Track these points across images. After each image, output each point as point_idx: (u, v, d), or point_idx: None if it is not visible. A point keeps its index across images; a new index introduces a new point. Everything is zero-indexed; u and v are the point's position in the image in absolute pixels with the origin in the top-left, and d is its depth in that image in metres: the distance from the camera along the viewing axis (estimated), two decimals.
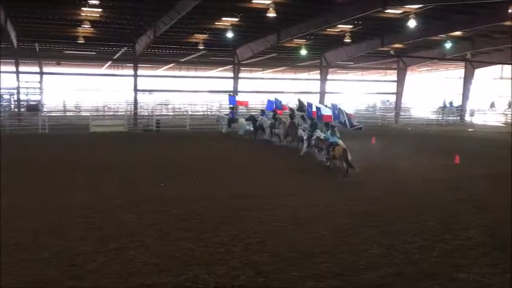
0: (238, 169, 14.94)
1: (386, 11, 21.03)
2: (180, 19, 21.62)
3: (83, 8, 21.50)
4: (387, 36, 28.50)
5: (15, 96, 31.00)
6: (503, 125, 34.88)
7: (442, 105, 39.98)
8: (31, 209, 9.40)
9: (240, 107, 29.05)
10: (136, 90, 30.95)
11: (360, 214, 9.53)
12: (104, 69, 44.38)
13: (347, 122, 17.01)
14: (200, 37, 29.11)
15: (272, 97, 24.47)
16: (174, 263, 6.64)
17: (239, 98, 27.91)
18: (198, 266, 6.58)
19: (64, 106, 38.71)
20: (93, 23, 24.07)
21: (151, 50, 32.32)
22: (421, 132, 28.71)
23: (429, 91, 48.29)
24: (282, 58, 38.02)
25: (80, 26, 24.94)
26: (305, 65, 41.08)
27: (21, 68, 30.20)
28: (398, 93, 37.60)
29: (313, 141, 17.75)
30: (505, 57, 31.90)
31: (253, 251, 7.24)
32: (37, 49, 33.10)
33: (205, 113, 40.28)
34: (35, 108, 29.01)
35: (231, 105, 26.86)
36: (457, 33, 26.86)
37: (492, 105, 42.27)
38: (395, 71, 38.63)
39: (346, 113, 17.33)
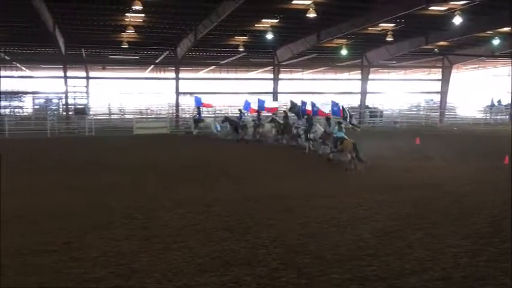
0: (269, 170, 15.06)
1: (430, 8, 20.51)
2: (221, 22, 21.87)
3: (126, 14, 22.13)
4: (431, 34, 27.76)
5: (64, 100, 32.25)
6: None
7: (489, 103, 38.55)
8: (78, 209, 9.73)
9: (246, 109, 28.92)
10: (178, 92, 31.52)
11: (403, 216, 9.32)
12: (146, 73, 45.43)
13: (348, 119, 18.41)
14: (240, 39, 29.31)
15: (250, 98, 25.91)
16: (216, 264, 6.70)
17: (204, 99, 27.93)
18: (240, 266, 6.61)
19: (109, 109, 39.92)
20: (137, 28, 24.72)
21: (193, 53, 32.80)
22: (467, 132, 27.81)
23: (476, 89, 46.62)
24: (322, 58, 37.71)
25: (124, 31, 25.66)
26: (346, 65, 40.58)
27: (69, 73, 31.33)
28: (443, 92, 36.54)
29: (311, 135, 18.92)
30: None
31: (294, 252, 7.21)
32: (84, 55, 34.33)
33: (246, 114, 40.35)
34: (82, 111, 30.04)
35: (197, 106, 27.11)
36: (506, 29, 25.82)
37: None
38: (440, 70, 37.57)
39: (349, 113, 18.93)
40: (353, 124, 18.71)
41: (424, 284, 6.16)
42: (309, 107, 20.71)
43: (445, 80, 36.38)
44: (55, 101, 36.49)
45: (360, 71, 36.81)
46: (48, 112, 34.73)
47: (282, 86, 35.04)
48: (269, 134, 22.97)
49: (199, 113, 26.45)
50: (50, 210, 9.63)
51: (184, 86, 33.20)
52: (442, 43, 30.38)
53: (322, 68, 45.14)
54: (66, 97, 31.23)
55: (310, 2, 19.31)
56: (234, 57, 36.07)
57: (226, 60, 37.86)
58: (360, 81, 36.13)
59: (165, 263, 6.68)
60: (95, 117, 28.78)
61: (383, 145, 20.54)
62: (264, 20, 24.28)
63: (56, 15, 22.40)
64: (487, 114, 37.60)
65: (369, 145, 20.84)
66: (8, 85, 42.46)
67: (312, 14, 19.85)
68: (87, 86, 33.45)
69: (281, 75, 35.39)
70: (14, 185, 12.08)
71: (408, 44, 30.10)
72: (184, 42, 28.62)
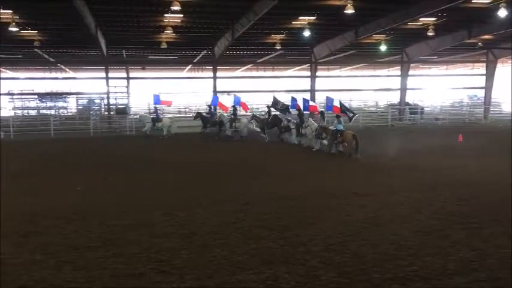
0: (297, 168, 15.12)
1: (473, 1, 19.87)
2: (258, 20, 21.92)
3: (165, 15, 22.50)
4: (475, 28, 26.87)
5: (105, 101, 33.18)
6: None
7: None
8: (119, 206, 9.96)
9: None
10: (215, 91, 31.79)
11: (446, 215, 9.07)
12: (184, 73, 46.06)
13: (348, 114, 19.66)
14: (277, 37, 29.29)
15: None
16: (255, 261, 6.71)
17: (163, 97, 28.06)
18: (279, 264, 6.60)
19: (149, 108, 40.68)
20: (175, 28, 25.11)
21: (230, 52, 33.02)
22: None
23: None
24: (361, 55, 37.18)
25: (163, 32, 26.11)
26: (385, 61, 39.83)
27: (110, 74, 32.18)
28: (488, 88, 35.28)
29: (304, 130, 19.95)
30: None
31: (334, 251, 7.14)
32: (124, 56, 35.16)
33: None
34: (123, 111, 30.78)
35: (155, 105, 26.85)
36: None
37: None
38: (484, 64, 36.28)
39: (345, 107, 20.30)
40: (350, 116, 19.84)
41: (468, 285, 5.97)
42: (298, 103, 21.79)
43: (490, 75, 35.10)
44: (97, 101, 37.57)
45: (399, 67, 36.04)
46: (91, 112, 35.81)
47: (319, 83, 34.75)
48: (245, 129, 23.62)
49: (156, 112, 26.09)
50: (95, 207, 9.92)
51: (221, 84, 33.48)
52: (486, 37, 29.34)
53: (361, 65, 44.48)
54: (108, 97, 32.14)
55: None
56: (271, 55, 36.10)
57: (263, 59, 37.94)
58: (399, 78, 35.38)
59: (204, 260, 6.75)
60: (135, 117, 29.38)
61: (424, 142, 20.09)
62: (301, 17, 24.16)
63: (98, 17, 23.05)
64: None
65: (409, 142, 20.57)
66: (53, 86, 44.17)
67: (349, 10, 19.60)
68: (127, 86, 34.24)
69: (318, 73, 35.08)
70: (63, 183, 12.58)
71: (451, 38, 29.23)
72: (222, 41, 28.84)
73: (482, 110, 35.78)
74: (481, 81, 35.95)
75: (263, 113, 25.47)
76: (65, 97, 40.85)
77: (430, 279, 6.12)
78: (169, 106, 29.59)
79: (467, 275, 6.21)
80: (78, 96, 39.52)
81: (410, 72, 35.95)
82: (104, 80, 31.52)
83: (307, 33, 25.48)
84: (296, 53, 36.48)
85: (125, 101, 33.69)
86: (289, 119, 22.11)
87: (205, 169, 15.13)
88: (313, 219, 8.83)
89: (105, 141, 24.13)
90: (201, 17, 23.51)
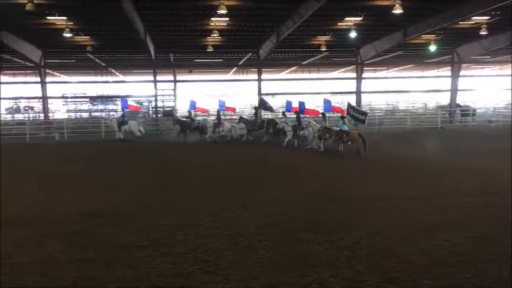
0: (336, 170, 15.13)
1: None
2: (303, 22, 21.84)
3: (212, 19, 22.84)
4: None
5: (153, 103, 34.01)
6: None
7: None
8: (165, 206, 10.13)
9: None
10: (260, 94, 31.92)
11: (499, 222, 8.65)
12: (230, 75, 46.53)
13: (356, 115, 20.21)
14: (322, 39, 29.09)
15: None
16: (300, 264, 6.67)
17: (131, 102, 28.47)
18: (324, 268, 6.53)
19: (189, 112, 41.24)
20: (221, 31, 25.42)
21: (275, 54, 33.08)
22: None
23: None
24: (409, 56, 36.33)
25: (209, 36, 26.51)
26: (434, 61, 38.68)
27: (158, 77, 32.99)
28: None
29: (304, 132, 20.42)
30: None
31: (380, 256, 6.98)
32: (171, 59, 35.94)
33: (328, 114, 39.92)
34: (170, 113, 31.40)
35: (123, 108, 26.79)
36: None
37: None
38: None
39: (355, 108, 20.96)
40: (358, 119, 20.39)
41: None
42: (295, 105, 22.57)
43: None
44: (145, 103, 38.55)
45: (449, 68, 34.88)
46: (139, 115, 36.77)
47: (365, 85, 34.21)
48: (229, 133, 23.43)
49: (123, 116, 25.99)
50: (142, 207, 10.15)
51: (266, 87, 33.58)
52: None
53: (409, 66, 43.43)
54: (156, 100, 32.91)
55: None
56: (316, 57, 35.86)
57: (308, 61, 37.76)
58: (449, 78, 34.24)
59: (249, 262, 6.77)
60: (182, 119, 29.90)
61: (475, 145, 19.35)
62: (347, 18, 23.89)
63: (147, 22, 23.68)
64: None
65: (459, 145, 19.88)
66: (103, 90, 45.76)
67: (398, 10, 19.21)
68: (174, 89, 34.94)
69: (364, 74, 34.52)
70: (111, 184, 12.98)
71: (505, 37, 28.02)
72: (267, 43, 28.94)
73: None
74: None
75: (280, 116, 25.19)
76: (114, 100, 42.22)
77: (484, 287, 5.88)
78: (137, 111, 30.17)
79: None
80: (127, 99, 40.67)
81: (462, 72, 34.67)
82: (152, 83, 32.35)
83: (353, 34, 25.17)
84: (341, 54, 36.08)
85: (171, 104, 34.38)
86: (286, 122, 22.26)
87: (251, 170, 15.30)
88: (358, 223, 8.68)
89: (152, 142, 24.63)
90: (246, 20, 23.69)
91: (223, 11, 19.64)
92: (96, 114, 39.62)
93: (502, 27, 26.14)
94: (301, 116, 21.84)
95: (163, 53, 33.13)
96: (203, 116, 26.10)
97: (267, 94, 33.22)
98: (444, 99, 36.89)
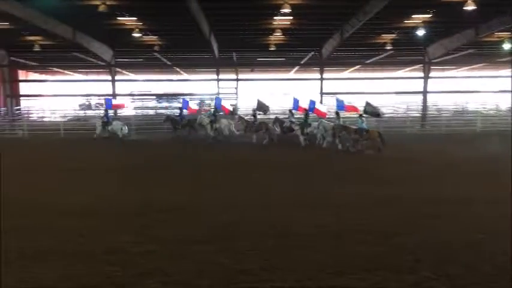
0: (386, 171, 14.79)
1: None
2: (368, 20, 21.38)
3: (275, 18, 22.90)
4: None
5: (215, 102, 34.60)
6: None
7: None
8: (213, 205, 10.23)
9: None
10: (321, 93, 31.64)
11: None
12: (291, 74, 46.45)
13: (372, 110, 20.72)
14: (388, 37, 28.36)
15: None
16: (358, 266, 6.54)
17: (115, 101, 28.14)
18: (384, 271, 6.37)
19: (253, 110, 41.58)
20: (284, 30, 25.43)
21: (337, 53, 32.63)
22: None
23: None
24: (480, 54, 34.52)
25: (272, 34, 26.59)
26: (509, 60, 36.46)
27: (221, 76, 33.58)
28: None
29: (315, 131, 20.86)
30: None
31: (446, 261, 6.71)
32: (234, 58, 36.43)
33: (392, 115, 38.96)
34: (232, 112, 31.83)
35: (106, 108, 26.27)
36: None
37: None
38: None
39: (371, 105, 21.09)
40: (374, 113, 21.10)
41: None
42: (302, 105, 22.86)
43: None
44: (208, 102, 39.33)
45: None
46: (202, 112, 37.56)
47: (432, 84, 32.97)
48: (226, 130, 23.61)
49: (106, 116, 25.69)
50: (205, 203, 10.41)
51: (328, 86, 33.22)
52: None
53: (480, 65, 41.29)
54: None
55: None
56: (380, 56, 35.00)
57: (371, 59, 36.93)
58: None
59: (304, 262, 6.72)
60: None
61: None
62: (414, 16, 23.10)
63: (211, 22, 24.15)
64: None
65: None
66: (168, 88, 47.27)
67: (470, 7, 18.32)
68: (236, 88, 35.39)
69: (432, 74, 33.25)
70: (174, 181, 13.39)
71: None
72: (330, 42, 28.62)
73: None
74: None
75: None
76: (178, 98, 43.45)
77: None
78: (122, 109, 30.57)
79: None
80: (191, 97, 41.78)
81: None
82: (215, 82, 32.98)
83: (421, 32, 24.32)
84: (408, 53, 34.92)
85: (233, 102, 34.85)
86: (293, 120, 22.57)
87: (301, 169, 15.34)
88: (423, 227, 8.38)
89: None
90: (310, 19, 23.54)
91: (287, 10, 19.65)
92: (161, 111, 40.93)
93: None
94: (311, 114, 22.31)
95: (227, 52, 33.65)
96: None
97: (328, 93, 32.88)
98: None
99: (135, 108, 41.60)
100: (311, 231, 8.18)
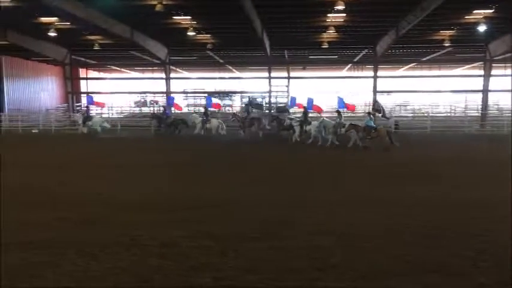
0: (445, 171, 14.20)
1: None
2: (426, 16, 20.71)
3: (328, 15, 22.63)
4: None
5: (267, 99, 34.77)
6: None
7: None
8: (249, 202, 10.23)
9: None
10: (375, 91, 30.98)
11: None
12: (344, 72, 45.79)
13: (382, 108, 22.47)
14: (446, 33, 27.36)
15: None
16: (416, 269, 6.33)
17: (96, 98, 30.71)
18: (431, 274, 6.14)
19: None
20: (337, 27, 25.08)
21: (392, 50, 31.86)
22: None
23: None
24: None
25: (325, 32, 26.29)
26: None
27: (272, 74, 33.62)
28: None
29: (319, 128, 20.94)
30: None
31: (510, 270, 6.37)
32: (286, 56, 36.35)
33: (449, 114, 37.64)
34: (283, 110, 31.85)
35: (87, 105, 28.58)
36: None
37: None
38: None
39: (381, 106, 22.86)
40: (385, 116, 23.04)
41: None
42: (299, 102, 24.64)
43: None
44: (259, 99, 39.55)
45: None
46: (253, 110, 37.81)
47: (493, 82, 31.49)
48: (214, 130, 24.38)
49: (87, 112, 27.11)
50: (247, 201, 10.42)
51: (382, 84, 32.48)
52: None
53: None
54: (270, 96, 33.60)
55: None
56: (438, 53, 33.82)
57: (428, 57, 35.78)
58: None
59: (359, 262, 6.58)
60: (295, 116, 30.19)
61: None
62: (475, 11, 22.12)
63: (264, 20, 24.21)
64: None
65: None
66: (221, 85, 47.89)
67: None
68: (288, 86, 35.33)
69: (493, 71, 31.75)
70: (211, 178, 13.56)
71: None
72: (385, 39, 27.96)
73: None
74: None
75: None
76: (231, 95, 43.95)
77: None
78: (102, 107, 33.52)
79: None
80: (242, 94, 42.16)
81: None
82: (267, 80, 33.06)
83: (482, 28, 23.27)
84: (467, 50, 33.54)
85: (285, 100, 34.83)
86: (292, 117, 23.21)
87: (336, 169, 15.21)
88: (482, 231, 8.00)
89: (263, 137, 25.10)
90: (364, 16, 23.10)
91: (341, 7, 19.36)
92: (212, 109, 41.56)
93: None
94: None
95: (279, 50, 33.63)
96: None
97: (382, 92, 32.16)
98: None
99: (188, 105, 42.47)
100: (363, 231, 8.04)
